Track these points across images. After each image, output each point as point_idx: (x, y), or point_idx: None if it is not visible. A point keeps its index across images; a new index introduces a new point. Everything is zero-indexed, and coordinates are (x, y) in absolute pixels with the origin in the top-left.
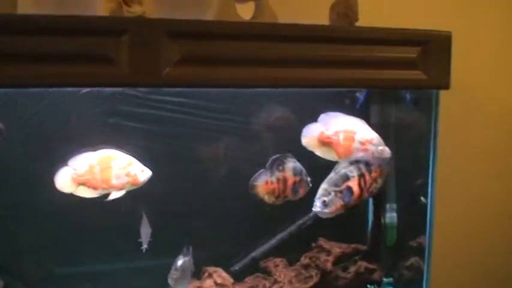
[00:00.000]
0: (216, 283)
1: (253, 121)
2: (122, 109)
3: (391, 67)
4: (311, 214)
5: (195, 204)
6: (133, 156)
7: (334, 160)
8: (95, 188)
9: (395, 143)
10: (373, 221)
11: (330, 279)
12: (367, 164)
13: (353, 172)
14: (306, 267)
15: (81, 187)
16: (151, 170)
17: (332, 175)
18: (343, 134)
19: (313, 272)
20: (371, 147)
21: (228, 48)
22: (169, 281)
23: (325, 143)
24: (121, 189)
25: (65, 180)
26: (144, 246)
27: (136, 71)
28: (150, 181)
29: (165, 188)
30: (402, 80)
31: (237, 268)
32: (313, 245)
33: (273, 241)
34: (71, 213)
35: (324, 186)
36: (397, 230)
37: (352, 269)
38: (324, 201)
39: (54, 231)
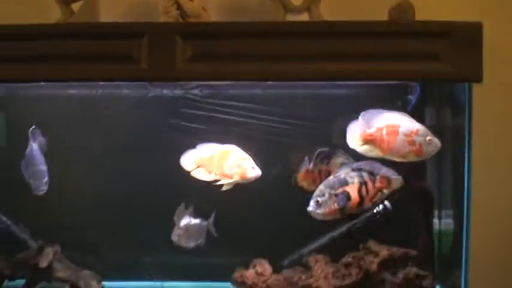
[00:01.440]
0: (256, 272)
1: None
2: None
3: (415, 60)
4: (363, 216)
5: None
6: None
7: (379, 157)
8: (209, 172)
9: (452, 145)
10: (425, 226)
11: (376, 281)
12: (372, 173)
13: (353, 178)
14: (347, 265)
15: (199, 168)
16: None
17: (331, 178)
18: (385, 129)
19: (354, 271)
20: (417, 139)
21: (234, 46)
22: (173, 237)
23: (367, 140)
24: (231, 178)
25: (189, 159)
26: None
27: (154, 68)
28: None
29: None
30: (425, 72)
31: (285, 262)
32: (361, 246)
33: (323, 240)
34: None
35: (320, 187)
36: (453, 236)
37: (401, 273)
38: (318, 201)
39: None
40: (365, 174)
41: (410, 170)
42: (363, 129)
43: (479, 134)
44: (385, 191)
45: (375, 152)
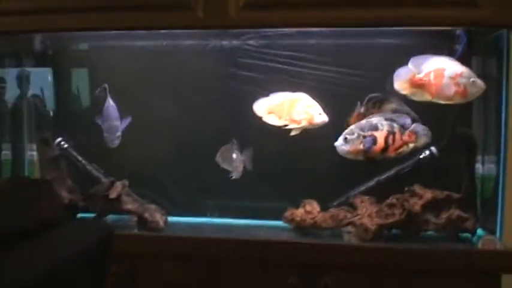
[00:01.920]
0: (305, 211)
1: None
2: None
3: (454, 6)
4: (410, 162)
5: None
6: None
7: (428, 101)
8: (279, 118)
9: (496, 94)
10: (468, 171)
11: (419, 221)
12: (403, 126)
13: (383, 126)
14: (391, 206)
15: (270, 115)
16: None
17: (364, 121)
18: (433, 73)
19: (397, 211)
20: (462, 81)
21: None
22: (234, 174)
23: (417, 85)
24: (298, 123)
25: (261, 106)
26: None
27: (209, 16)
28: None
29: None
30: (463, 18)
31: (334, 203)
32: (406, 189)
33: (370, 183)
34: None
35: (352, 126)
36: (495, 182)
37: (444, 215)
38: (346, 138)
39: None
40: (396, 126)
41: (456, 117)
42: (412, 74)
43: None
44: (411, 145)
45: (425, 96)
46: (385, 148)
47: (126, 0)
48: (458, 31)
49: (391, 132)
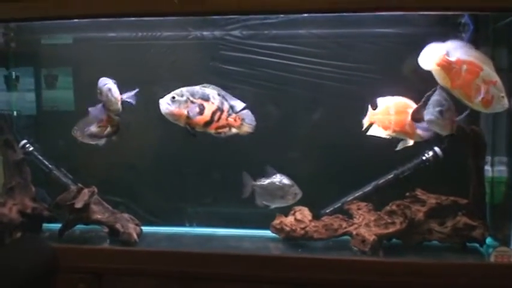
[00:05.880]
0: (296, 219)
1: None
2: None
3: None
4: (411, 164)
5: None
6: None
7: (444, 87)
8: (384, 127)
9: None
10: (476, 173)
11: (422, 231)
12: (232, 108)
13: (216, 100)
14: (391, 213)
15: (373, 125)
16: None
17: (197, 87)
18: (467, 65)
19: (398, 220)
20: (493, 91)
21: None
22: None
23: (442, 66)
24: (410, 136)
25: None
26: None
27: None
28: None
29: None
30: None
31: (327, 211)
32: (407, 194)
33: (368, 188)
34: None
35: (183, 88)
36: (506, 185)
37: (450, 223)
38: (174, 97)
39: None
40: (226, 105)
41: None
42: (444, 53)
43: None
44: (233, 130)
45: (444, 82)
46: (209, 122)
47: None
48: (464, 19)
49: (220, 109)
